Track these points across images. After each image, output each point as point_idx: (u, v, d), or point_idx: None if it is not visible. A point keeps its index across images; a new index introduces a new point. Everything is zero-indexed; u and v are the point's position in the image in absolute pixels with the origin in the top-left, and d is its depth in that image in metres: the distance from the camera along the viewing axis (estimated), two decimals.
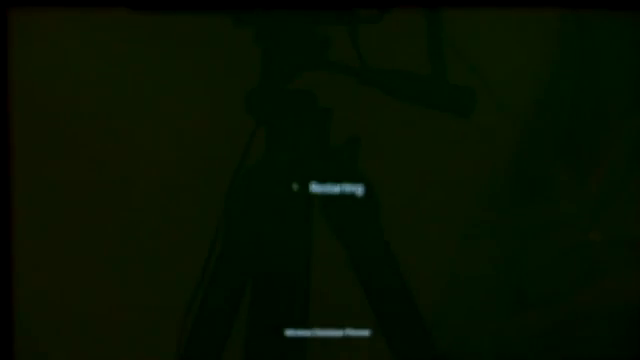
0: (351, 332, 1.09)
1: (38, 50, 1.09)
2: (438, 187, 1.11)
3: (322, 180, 1.06)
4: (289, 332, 1.07)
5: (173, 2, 1.06)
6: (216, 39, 1.07)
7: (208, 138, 1.09)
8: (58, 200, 1.11)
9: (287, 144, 1.06)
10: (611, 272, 1.15)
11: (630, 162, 1.14)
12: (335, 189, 1.07)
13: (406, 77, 1.06)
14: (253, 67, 1.06)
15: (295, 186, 1.06)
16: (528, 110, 1.13)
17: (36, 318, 1.13)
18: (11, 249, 1.12)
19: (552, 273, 1.15)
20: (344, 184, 1.07)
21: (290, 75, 1.06)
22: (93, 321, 1.14)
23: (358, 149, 1.07)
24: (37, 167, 1.10)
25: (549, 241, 1.15)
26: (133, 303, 1.12)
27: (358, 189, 1.07)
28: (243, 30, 1.06)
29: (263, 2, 1.05)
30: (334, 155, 1.07)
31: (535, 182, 1.15)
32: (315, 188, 1.07)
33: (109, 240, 1.12)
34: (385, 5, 1.06)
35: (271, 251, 1.06)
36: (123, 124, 1.10)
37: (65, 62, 1.09)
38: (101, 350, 1.15)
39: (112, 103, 1.09)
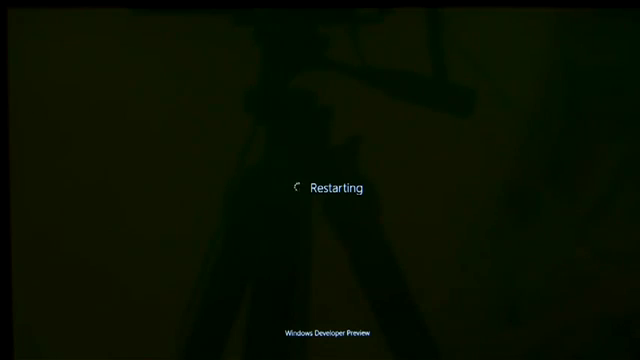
0: (351, 333, 1.09)
1: (37, 50, 1.09)
2: (438, 187, 1.11)
3: (322, 180, 1.06)
4: (289, 333, 1.07)
5: (173, 1, 1.05)
6: (216, 39, 1.07)
7: (208, 138, 1.08)
8: (56, 199, 1.11)
9: (287, 144, 1.06)
10: (598, 286, 1.15)
11: (616, 178, 1.14)
12: (335, 189, 1.07)
13: (406, 77, 1.06)
14: (253, 67, 1.06)
15: (295, 186, 1.06)
16: (526, 111, 1.13)
17: (35, 318, 1.13)
18: (10, 248, 1.12)
19: (542, 287, 1.15)
20: (344, 184, 1.07)
21: (290, 75, 1.06)
22: (93, 322, 1.14)
23: (358, 149, 1.07)
24: (35, 166, 1.10)
25: (539, 253, 1.15)
26: (133, 303, 1.12)
27: (358, 189, 1.07)
28: (243, 30, 1.05)
29: (263, 1, 1.05)
30: (334, 155, 1.07)
31: (526, 191, 1.15)
32: (315, 188, 1.06)
33: (108, 240, 1.12)
34: (385, 5, 1.05)
35: (271, 251, 1.06)
36: (122, 124, 1.09)
37: (64, 62, 1.09)
38: (101, 351, 1.15)
39: (111, 103, 1.08)
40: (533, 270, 1.15)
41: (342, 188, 1.06)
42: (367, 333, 1.09)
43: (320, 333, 1.08)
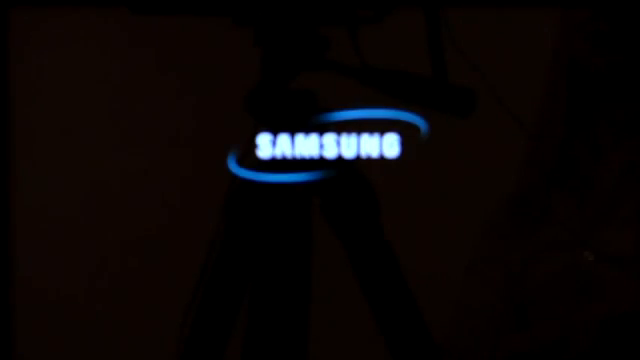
0: (351, 333, 1.09)
1: (39, 50, 1.09)
2: (437, 186, 1.11)
3: (322, 180, 1.06)
4: (289, 333, 1.06)
5: (173, 3, 1.06)
6: (216, 39, 1.07)
7: (208, 138, 1.09)
8: (57, 199, 1.11)
9: (287, 144, 1.06)
10: (603, 288, 1.15)
11: (620, 185, 1.13)
12: (335, 189, 1.07)
13: (406, 77, 1.06)
14: (253, 67, 1.06)
15: (296, 186, 1.06)
16: (527, 111, 1.13)
17: (36, 318, 1.13)
18: (9, 249, 1.12)
19: (549, 289, 1.15)
20: (344, 184, 1.07)
21: (290, 75, 1.06)
22: (93, 322, 1.14)
23: (358, 149, 1.07)
24: (37, 166, 1.10)
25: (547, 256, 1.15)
26: (132, 304, 1.12)
27: (358, 189, 1.07)
28: (243, 30, 1.06)
29: (263, 2, 1.05)
30: (334, 155, 1.07)
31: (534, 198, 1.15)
32: (315, 188, 1.06)
33: (108, 240, 1.12)
34: (385, 5, 1.06)
35: (271, 252, 1.06)
36: (122, 123, 1.10)
37: (65, 62, 1.09)
38: (101, 351, 1.15)
39: (112, 102, 1.09)
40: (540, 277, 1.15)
41: (342, 188, 1.06)
42: (367, 333, 1.09)
43: (319, 333, 1.08)
